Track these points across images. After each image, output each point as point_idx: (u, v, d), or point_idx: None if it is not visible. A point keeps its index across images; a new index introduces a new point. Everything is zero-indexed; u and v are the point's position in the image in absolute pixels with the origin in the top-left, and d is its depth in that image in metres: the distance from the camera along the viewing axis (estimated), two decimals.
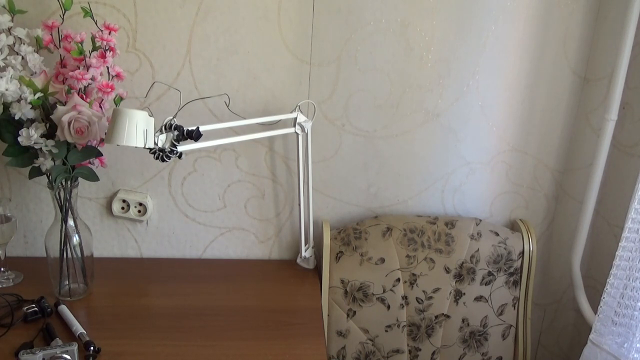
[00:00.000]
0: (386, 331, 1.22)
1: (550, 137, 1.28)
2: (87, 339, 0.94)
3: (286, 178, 1.26)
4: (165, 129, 0.93)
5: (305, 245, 1.26)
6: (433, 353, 1.24)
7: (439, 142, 1.26)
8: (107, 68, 1.02)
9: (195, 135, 0.94)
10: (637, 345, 0.98)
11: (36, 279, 1.15)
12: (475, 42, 1.18)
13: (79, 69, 0.98)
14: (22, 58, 0.98)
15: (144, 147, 0.90)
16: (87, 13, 0.99)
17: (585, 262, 1.27)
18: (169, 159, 0.94)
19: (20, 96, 0.96)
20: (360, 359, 1.23)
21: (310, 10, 1.14)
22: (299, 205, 1.22)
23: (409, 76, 1.20)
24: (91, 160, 1.08)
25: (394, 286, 1.21)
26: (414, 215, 1.30)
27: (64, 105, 0.98)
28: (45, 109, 0.99)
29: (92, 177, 1.07)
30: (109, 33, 1.00)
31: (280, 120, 1.15)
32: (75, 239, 1.08)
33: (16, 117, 0.96)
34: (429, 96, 1.22)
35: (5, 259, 1.15)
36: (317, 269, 1.27)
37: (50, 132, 0.99)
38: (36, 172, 1.03)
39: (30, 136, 0.97)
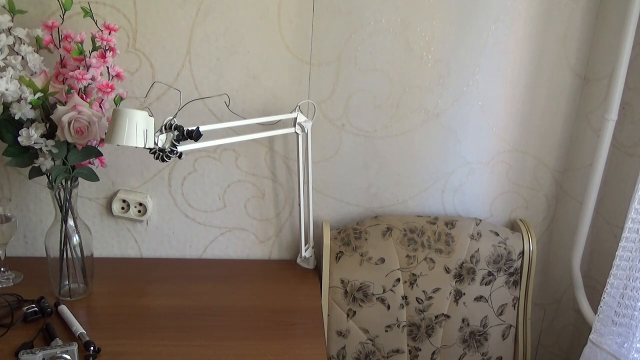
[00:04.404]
0: (386, 331, 1.22)
1: (550, 137, 1.28)
2: (87, 339, 0.94)
3: (286, 178, 1.26)
4: (165, 129, 0.93)
5: (305, 245, 1.26)
6: (433, 353, 1.24)
7: (439, 142, 1.26)
8: (107, 68, 1.02)
9: (195, 135, 0.94)
10: (637, 345, 0.98)
11: (36, 279, 1.15)
12: (475, 42, 1.18)
13: (79, 69, 0.98)
14: (22, 58, 0.98)
15: (144, 147, 0.90)
16: (87, 13, 0.99)
17: (585, 262, 1.27)
18: (169, 159, 0.94)
19: (20, 96, 0.96)
20: (360, 359, 1.23)
21: (310, 10, 1.14)
22: (299, 205, 1.22)
23: (409, 76, 1.20)
24: (91, 160, 1.08)
25: (394, 286, 1.21)
26: (414, 215, 1.30)
27: (64, 105, 0.98)
28: (45, 109, 0.99)
29: (92, 177, 1.07)
30: (109, 33, 1.00)
31: (280, 120, 1.15)
32: (75, 239, 1.08)
33: (16, 117, 0.96)
34: (429, 96, 1.22)
35: (5, 259, 1.15)
36: (317, 269, 1.27)
37: (50, 132, 0.99)
38: (36, 172, 1.03)
39: (30, 136, 0.97)
